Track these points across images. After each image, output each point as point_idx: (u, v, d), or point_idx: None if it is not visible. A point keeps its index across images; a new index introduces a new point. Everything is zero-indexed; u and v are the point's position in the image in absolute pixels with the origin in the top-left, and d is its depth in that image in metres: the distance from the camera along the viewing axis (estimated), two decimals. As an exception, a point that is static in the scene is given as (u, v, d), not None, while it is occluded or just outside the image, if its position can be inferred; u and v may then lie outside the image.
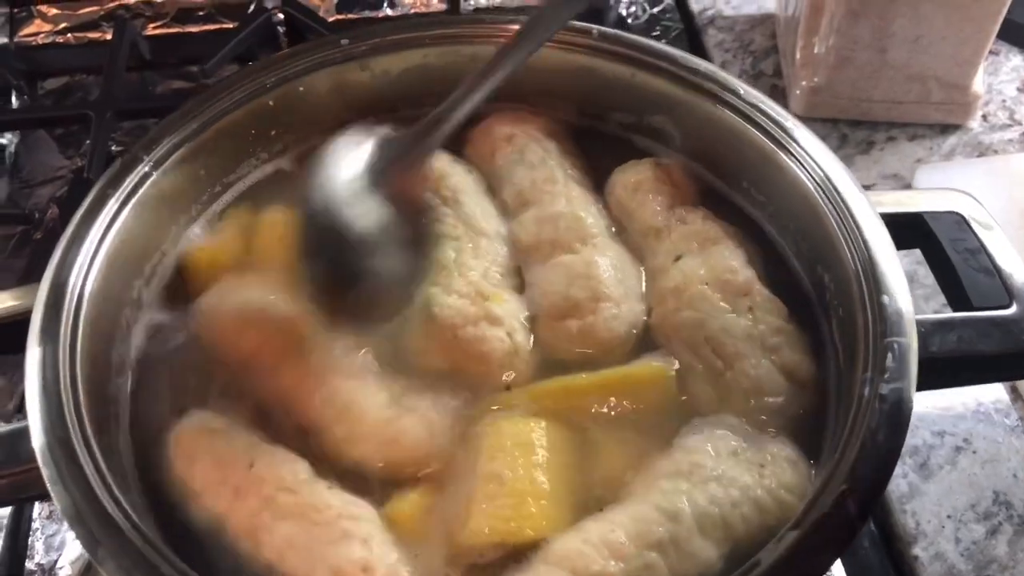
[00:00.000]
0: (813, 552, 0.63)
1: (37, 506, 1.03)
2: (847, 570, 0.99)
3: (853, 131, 1.40)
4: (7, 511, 1.01)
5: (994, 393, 1.11)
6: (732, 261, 0.85)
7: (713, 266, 0.85)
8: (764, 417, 0.78)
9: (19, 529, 0.99)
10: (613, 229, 0.93)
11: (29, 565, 1.01)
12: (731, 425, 0.77)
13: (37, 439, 0.69)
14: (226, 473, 0.74)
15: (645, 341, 0.85)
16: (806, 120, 0.92)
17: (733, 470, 0.72)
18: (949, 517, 1.02)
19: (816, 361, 0.81)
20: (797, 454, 0.75)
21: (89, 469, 0.67)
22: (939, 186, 1.04)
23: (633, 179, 0.94)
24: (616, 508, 0.72)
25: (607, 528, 0.70)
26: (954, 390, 1.10)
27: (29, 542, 1.01)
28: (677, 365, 0.82)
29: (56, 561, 1.01)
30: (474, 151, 0.99)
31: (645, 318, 0.86)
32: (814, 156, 0.85)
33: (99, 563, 0.63)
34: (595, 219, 0.91)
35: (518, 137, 0.97)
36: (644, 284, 0.89)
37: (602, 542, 0.68)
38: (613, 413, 0.80)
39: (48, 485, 0.67)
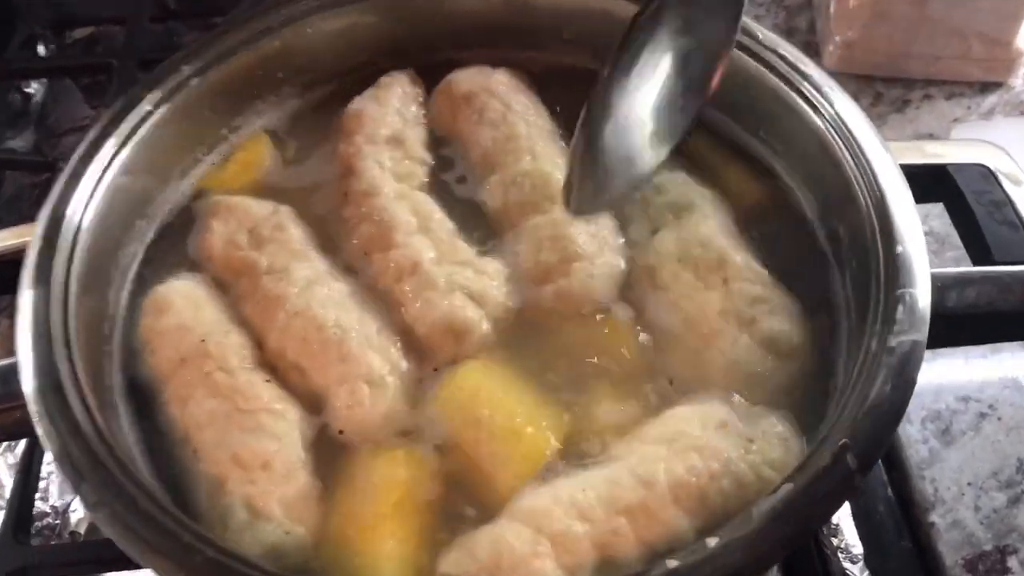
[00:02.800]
0: (807, 505, 0.61)
1: (50, 449, 1.04)
2: (860, 535, 0.96)
3: (888, 88, 1.35)
4: (20, 453, 1.01)
5: (1022, 359, 1.07)
6: (706, 231, 0.82)
7: (686, 239, 0.82)
8: (750, 391, 0.75)
9: (30, 471, 0.99)
10: None
11: (43, 507, 1.02)
12: (728, 398, 0.75)
13: (27, 377, 0.69)
14: (180, 339, 0.77)
15: (630, 287, 0.83)
16: (839, 77, 0.89)
17: (719, 442, 0.70)
18: (969, 484, 0.99)
19: (807, 327, 0.79)
20: (791, 432, 0.72)
21: (78, 408, 0.67)
22: (976, 146, 1.00)
23: None
24: (593, 468, 0.71)
25: (578, 488, 0.68)
26: (980, 356, 1.06)
27: (43, 485, 1.02)
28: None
29: (69, 504, 1.02)
30: (436, 115, 0.96)
31: (623, 267, 0.83)
32: (832, 102, 0.81)
33: (82, 499, 0.63)
34: (564, 173, 0.87)
35: (477, 96, 0.93)
36: (622, 240, 0.86)
37: (571, 502, 0.67)
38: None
39: (35, 424, 0.66)
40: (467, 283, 0.81)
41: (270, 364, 0.79)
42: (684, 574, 0.58)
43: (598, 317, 0.81)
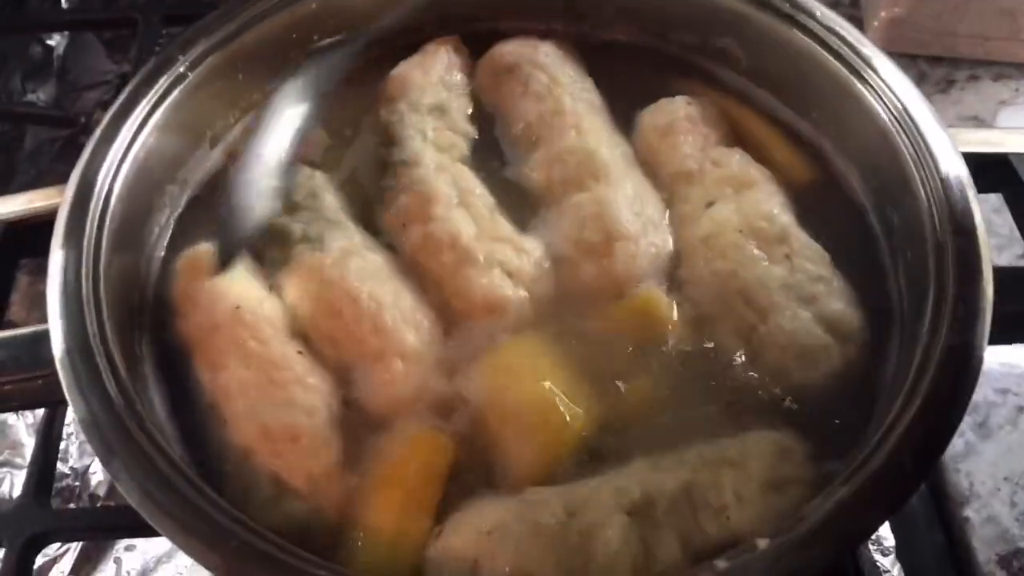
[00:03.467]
0: (862, 509, 0.59)
1: (71, 411, 1.03)
2: (893, 529, 0.94)
3: (932, 68, 1.31)
4: (40, 412, 1.00)
5: (1064, 353, 1.05)
6: (768, 206, 0.80)
7: (748, 212, 0.80)
8: (803, 370, 0.73)
9: (51, 433, 0.98)
10: (632, 157, 0.87)
11: (63, 468, 1.01)
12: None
13: (56, 344, 0.67)
14: (214, 305, 0.75)
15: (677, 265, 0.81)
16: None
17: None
18: (1006, 479, 0.97)
19: (862, 313, 0.76)
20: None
21: (107, 377, 0.65)
22: (1024, 130, 0.97)
23: (663, 121, 0.88)
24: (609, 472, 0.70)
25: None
26: (1019, 348, 1.03)
27: (63, 446, 1.00)
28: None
29: (89, 466, 1.01)
30: (481, 86, 0.93)
31: (670, 247, 0.81)
32: (892, 86, 0.78)
33: (113, 475, 0.61)
34: (610, 149, 0.85)
35: (522, 68, 0.90)
36: (669, 222, 0.83)
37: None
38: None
39: (65, 391, 0.65)
40: (506, 260, 0.79)
41: (303, 334, 0.77)
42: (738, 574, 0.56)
43: (640, 297, 0.79)
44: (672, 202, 0.84)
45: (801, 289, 0.75)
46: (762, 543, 0.57)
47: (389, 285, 0.78)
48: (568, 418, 0.71)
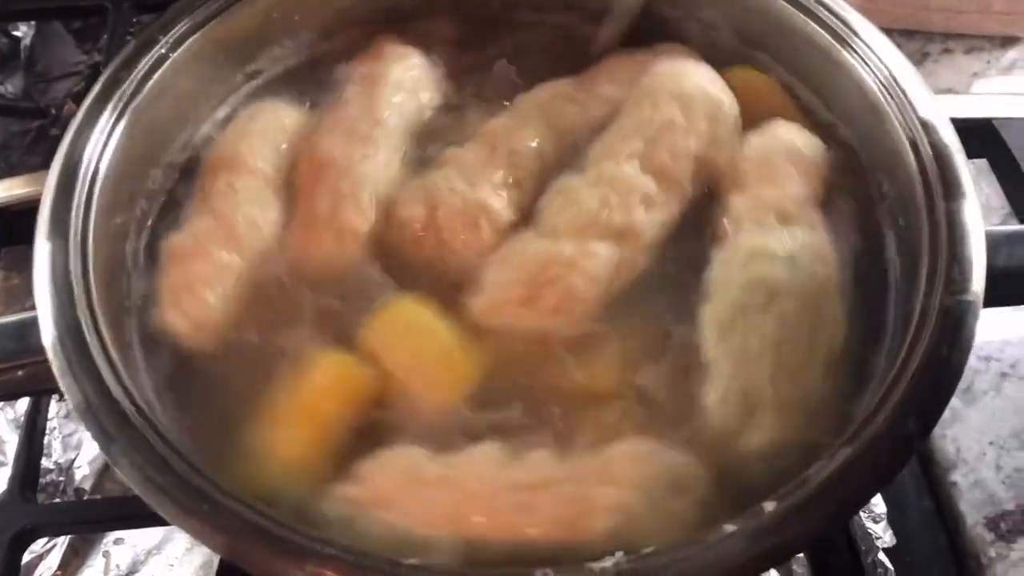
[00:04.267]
0: (866, 471, 0.59)
1: (54, 405, 1.01)
2: (884, 496, 0.95)
3: (906, 42, 1.32)
4: (23, 408, 0.98)
5: (1045, 319, 1.06)
6: None
7: None
8: None
9: (35, 427, 0.96)
10: None
11: (47, 463, 0.99)
12: None
13: (47, 330, 0.66)
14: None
15: None
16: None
17: None
18: (991, 444, 0.99)
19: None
20: None
21: (101, 362, 0.64)
22: (999, 101, 0.98)
23: None
24: None
25: None
26: (1003, 313, 1.04)
27: (46, 441, 0.99)
28: None
29: (73, 460, 1.00)
30: None
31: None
32: (879, 53, 0.78)
33: (112, 460, 0.60)
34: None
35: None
36: None
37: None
38: None
39: (58, 378, 0.63)
40: None
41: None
42: (743, 537, 0.56)
43: None
44: None
45: None
46: (768, 506, 0.57)
47: None
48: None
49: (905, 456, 0.60)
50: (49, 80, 1.38)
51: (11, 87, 1.38)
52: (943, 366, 0.62)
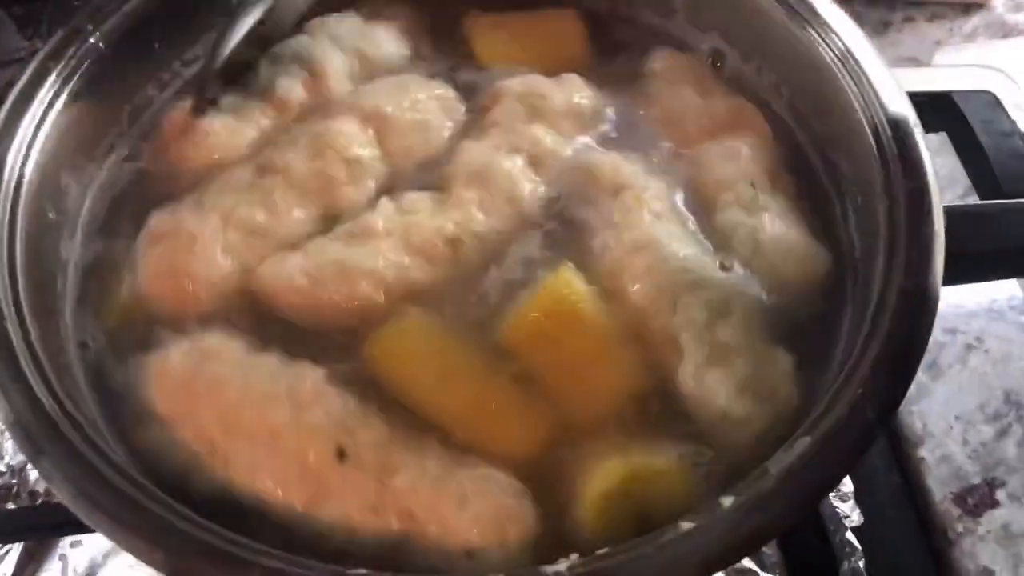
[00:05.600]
0: (826, 460, 0.57)
1: (3, 407, 0.98)
2: (851, 474, 0.94)
3: (868, 11, 1.30)
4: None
5: (1008, 289, 1.06)
6: None
7: None
8: None
9: (-17, 431, 0.93)
10: None
11: (-1, 466, 0.96)
12: None
13: (-28, 341, 0.62)
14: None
15: None
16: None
17: None
18: (957, 418, 0.98)
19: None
20: None
21: (32, 375, 0.61)
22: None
23: None
24: None
25: None
26: (966, 287, 1.04)
27: (-4, 445, 0.96)
28: None
29: (26, 463, 0.97)
30: None
31: None
32: (835, 27, 0.76)
33: (44, 475, 0.57)
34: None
35: None
36: None
37: None
38: None
39: (-16, 390, 0.60)
40: None
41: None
42: (700, 535, 0.54)
43: None
44: None
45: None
46: (726, 501, 0.56)
47: None
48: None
49: (865, 444, 0.58)
50: (-9, 67, 1.33)
51: (-48, 75, 1.33)
52: (903, 351, 0.61)
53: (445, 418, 0.67)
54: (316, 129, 0.79)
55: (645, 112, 0.84)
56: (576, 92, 0.84)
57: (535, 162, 0.79)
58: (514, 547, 0.61)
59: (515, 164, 0.78)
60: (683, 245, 0.73)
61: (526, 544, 0.62)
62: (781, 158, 0.80)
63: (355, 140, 0.79)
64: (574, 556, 0.54)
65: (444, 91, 0.84)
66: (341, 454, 0.64)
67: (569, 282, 0.71)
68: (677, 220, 0.76)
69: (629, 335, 0.70)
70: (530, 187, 0.78)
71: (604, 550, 0.54)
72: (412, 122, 0.81)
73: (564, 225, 0.77)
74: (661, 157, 0.81)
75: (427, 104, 0.83)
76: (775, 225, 0.74)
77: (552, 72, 0.85)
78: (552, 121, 0.81)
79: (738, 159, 0.77)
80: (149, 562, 0.55)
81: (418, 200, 0.76)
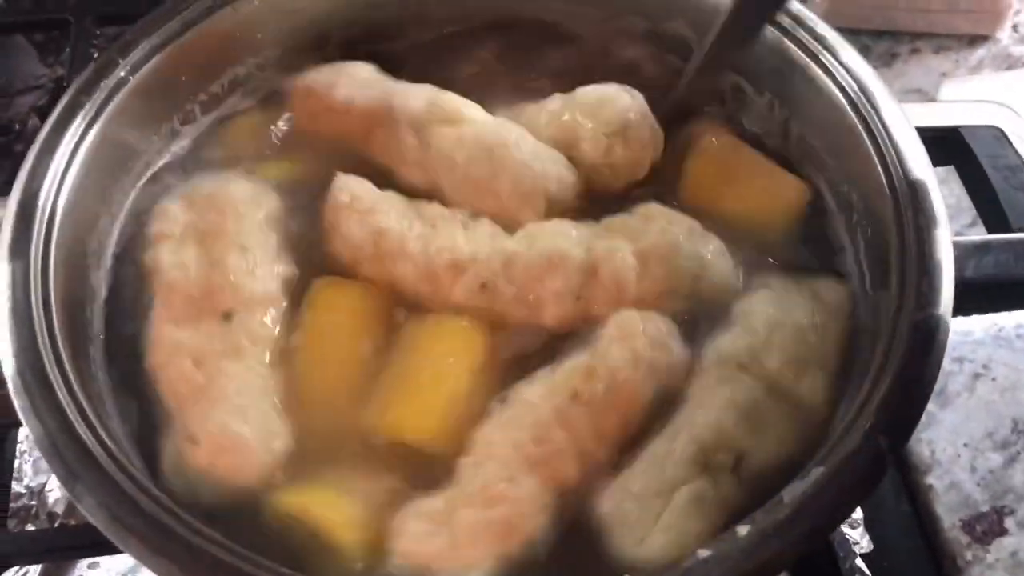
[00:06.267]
0: (840, 490, 0.59)
1: (23, 429, 1.00)
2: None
3: (875, 42, 1.32)
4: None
5: (1016, 318, 1.07)
6: None
7: None
8: None
9: (3, 453, 0.95)
10: None
11: (18, 488, 0.97)
12: None
13: (7, 365, 0.64)
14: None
15: None
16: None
17: None
18: (965, 446, 0.99)
19: None
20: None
21: (63, 397, 0.63)
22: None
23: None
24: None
25: None
26: (974, 315, 1.05)
27: (17, 464, 0.97)
28: None
29: (45, 484, 0.98)
30: None
31: None
32: (847, 64, 0.78)
33: (76, 499, 0.59)
34: None
35: None
36: None
37: None
38: None
39: (20, 415, 0.62)
40: None
41: None
42: (717, 563, 0.56)
43: None
44: None
45: None
46: (742, 530, 0.57)
47: None
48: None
49: (878, 474, 0.59)
50: (12, 94, 1.36)
51: (-28, 103, 1.36)
52: (914, 382, 0.62)
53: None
54: None
55: None
56: None
57: None
58: None
59: None
60: None
61: None
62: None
63: None
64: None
65: None
66: None
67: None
68: None
69: None
70: None
71: (624, 576, 0.56)
72: None
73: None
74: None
75: None
76: None
77: None
78: None
79: None
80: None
81: None
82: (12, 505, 0.95)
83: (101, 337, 0.75)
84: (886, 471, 0.59)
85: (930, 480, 0.98)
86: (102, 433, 0.62)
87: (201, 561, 0.57)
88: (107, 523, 0.58)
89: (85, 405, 0.63)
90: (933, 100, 1.24)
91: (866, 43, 1.32)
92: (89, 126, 0.76)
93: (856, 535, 0.94)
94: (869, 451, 0.59)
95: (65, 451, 0.61)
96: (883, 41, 1.33)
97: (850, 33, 1.30)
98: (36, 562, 0.91)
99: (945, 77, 1.28)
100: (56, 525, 0.96)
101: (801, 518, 0.57)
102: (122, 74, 0.79)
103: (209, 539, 0.58)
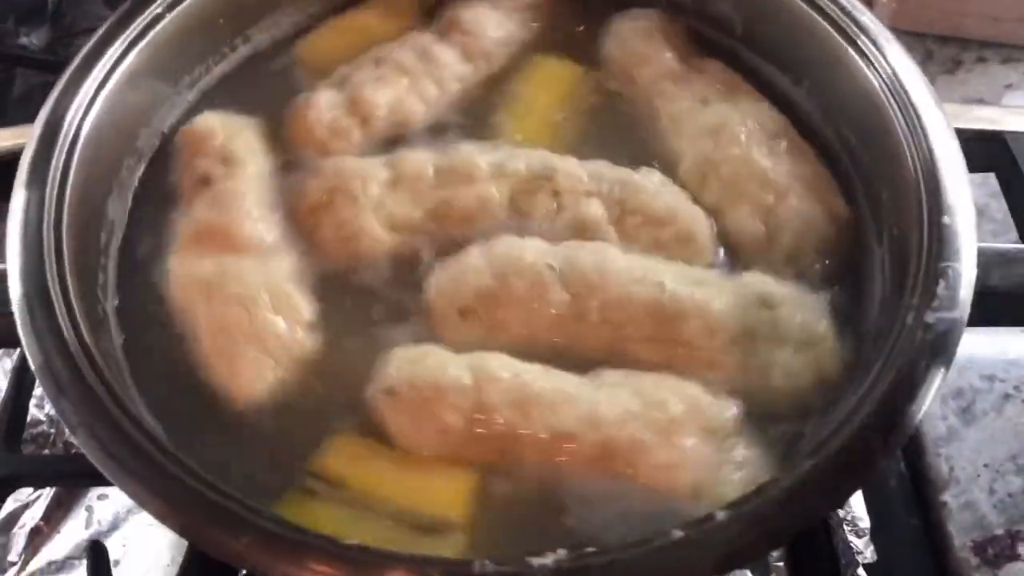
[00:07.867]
0: (828, 483, 0.57)
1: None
2: (869, 508, 0.93)
3: (940, 48, 1.28)
4: (11, 364, 0.99)
5: (1054, 340, 1.03)
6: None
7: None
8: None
9: (24, 377, 0.96)
10: None
11: (38, 414, 1.00)
12: None
13: (14, 288, 0.65)
14: None
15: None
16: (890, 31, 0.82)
17: None
18: (986, 466, 0.96)
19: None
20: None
21: (65, 324, 0.64)
22: (1029, 116, 0.94)
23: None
24: None
25: None
26: (1012, 333, 1.01)
27: (39, 392, 0.98)
28: None
29: (65, 412, 1.00)
30: None
31: None
32: (888, 57, 0.75)
33: (60, 413, 0.60)
34: None
35: None
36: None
37: None
38: None
39: (21, 335, 0.63)
40: None
41: None
42: (689, 545, 0.55)
43: None
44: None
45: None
46: (720, 514, 0.56)
47: None
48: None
49: (867, 472, 0.58)
50: (74, 34, 1.38)
51: (36, 39, 1.38)
52: (915, 385, 0.60)
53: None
54: None
55: None
56: None
57: None
58: None
59: None
60: None
61: None
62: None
63: None
64: (561, 551, 0.55)
65: None
66: None
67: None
68: None
69: None
70: None
71: (592, 548, 0.55)
72: None
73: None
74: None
75: None
76: None
77: None
78: None
79: None
80: (149, 509, 0.57)
81: None
82: (31, 431, 0.98)
83: (112, 265, 0.76)
84: (876, 469, 0.57)
85: (945, 497, 0.95)
86: (96, 356, 0.63)
87: (176, 489, 0.57)
88: (85, 440, 0.58)
89: (85, 334, 0.64)
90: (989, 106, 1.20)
91: (930, 47, 1.29)
92: (120, 60, 0.77)
93: (861, 544, 0.91)
94: (860, 448, 0.57)
95: (57, 369, 0.61)
96: (949, 47, 1.28)
97: (914, 36, 1.27)
98: (45, 485, 0.93)
99: (1009, 89, 1.23)
100: (71, 453, 0.98)
101: (781, 507, 0.56)
102: (159, 11, 0.80)
103: (191, 472, 0.58)
